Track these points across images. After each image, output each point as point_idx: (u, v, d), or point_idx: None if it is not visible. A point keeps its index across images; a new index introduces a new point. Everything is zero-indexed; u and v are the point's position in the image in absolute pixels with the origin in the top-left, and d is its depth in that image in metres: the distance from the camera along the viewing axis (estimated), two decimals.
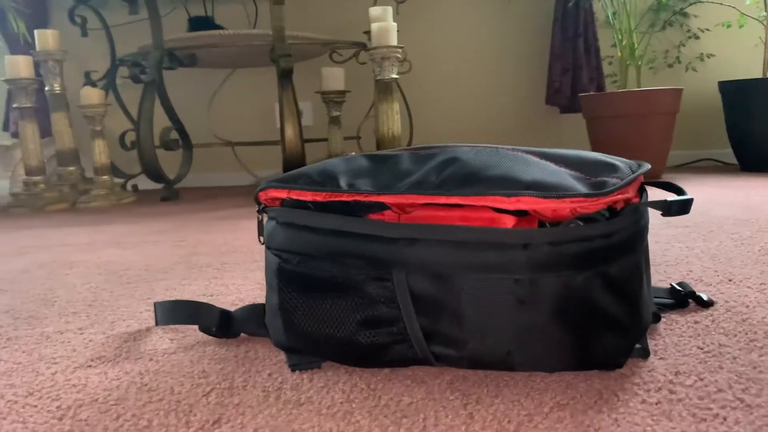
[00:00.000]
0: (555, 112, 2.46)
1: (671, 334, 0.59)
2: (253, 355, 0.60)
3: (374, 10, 2.01)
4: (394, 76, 1.92)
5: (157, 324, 0.70)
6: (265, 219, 0.59)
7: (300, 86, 2.51)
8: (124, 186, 2.44)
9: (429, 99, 2.58)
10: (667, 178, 2.11)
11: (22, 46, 2.43)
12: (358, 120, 2.45)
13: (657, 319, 0.62)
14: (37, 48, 2.11)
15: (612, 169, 0.53)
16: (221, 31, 2.09)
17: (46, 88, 2.16)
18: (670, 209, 0.51)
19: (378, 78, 1.92)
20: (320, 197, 0.54)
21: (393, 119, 1.93)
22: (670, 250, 0.96)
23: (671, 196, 0.54)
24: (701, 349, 0.56)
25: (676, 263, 0.87)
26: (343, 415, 0.47)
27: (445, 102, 2.58)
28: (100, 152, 2.16)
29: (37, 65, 2.15)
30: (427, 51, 2.56)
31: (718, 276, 0.80)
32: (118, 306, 0.81)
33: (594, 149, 2.11)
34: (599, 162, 0.54)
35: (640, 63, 2.11)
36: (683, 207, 0.51)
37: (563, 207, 0.47)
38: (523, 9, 2.48)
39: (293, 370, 0.55)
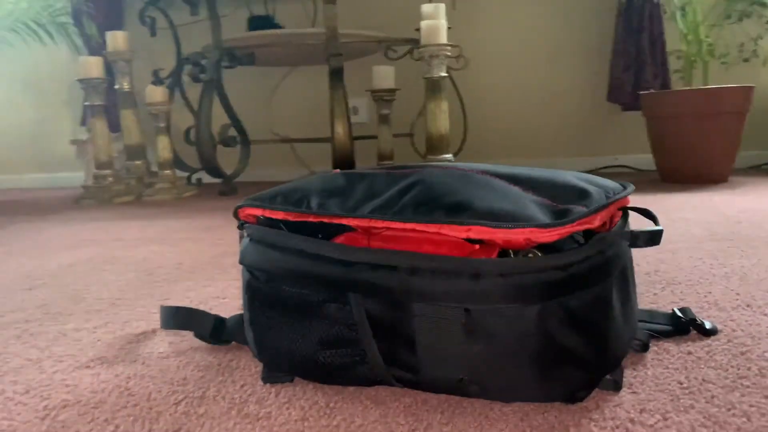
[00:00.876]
0: (617, 110, 2.36)
1: (656, 365, 0.57)
2: (235, 364, 0.62)
3: (426, 7, 2.00)
4: (443, 74, 1.90)
5: (162, 327, 0.73)
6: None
7: (356, 83, 2.53)
8: (189, 179, 2.56)
9: (486, 96, 2.54)
10: (734, 181, 1.99)
11: (95, 47, 2.59)
12: (413, 117, 2.45)
13: (644, 348, 0.60)
14: (108, 49, 2.24)
15: (582, 195, 0.51)
16: (277, 31, 2.15)
17: (116, 87, 2.29)
18: (636, 241, 0.49)
19: (426, 76, 1.91)
20: (291, 217, 0.55)
21: (441, 118, 1.91)
22: (699, 267, 0.91)
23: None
24: (681, 384, 0.53)
25: (698, 283, 0.83)
26: (267, 429, 0.48)
27: (502, 99, 2.53)
28: (164, 147, 2.28)
29: (108, 65, 2.28)
30: (485, 47, 2.52)
31: (737, 300, 0.75)
32: (136, 306, 0.86)
33: (654, 150, 2.01)
34: (572, 187, 0.52)
35: (707, 58, 1.99)
36: (651, 238, 0.49)
37: (516, 237, 0.46)
38: (584, 1, 2.39)
39: (264, 383, 0.57)
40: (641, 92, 1.99)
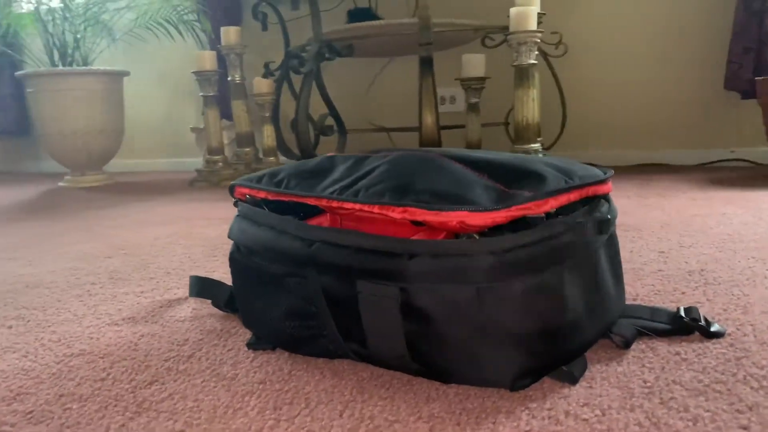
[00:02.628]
0: (735, 98, 2.15)
1: (632, 363, 0.54)
2: (235, 331, 0.68)
3: None
4: (532, 61, 1.85)
5: (189, 296, 0.81)
6: None
7: (453, 72, 2.52)
8: None
9: (588, 84, 2.43)
10: None
11: (216, 42, 2.80)
12: (507, 106, 2.40)
13: (626, 344, 0.57)
14: (222, 43, 2.42)
15: (537, 180, 0.50)
16: (372, 22, 2.20)
17: (228, 78, 2.46)
18: (584, 229, 0.47)
19: (515, 63, 1.87)
20: (270, 196, 0.59)
21: (529, 106, 1.87)
22: (752, 269, 0.82)
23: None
24: (644, 383, 0.50)
25: (740, 285, 0.76)
26: (244, 393, 0.52)
27: (605, 87, 2.40)
28: (268, 136, 2.42)
29: (222, 58, 2.47)
30: (587, 31, 2.40)
31: None
32: (184, 277, 0.95)
33: None
34: (528, 172, 0.51)
35: None
36: (599, 227, 0.47)
37: (449, 220, 0.47)
38: None
39: (248, 348, 0.62)
40: (758, 78, 1.80)
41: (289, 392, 0.52)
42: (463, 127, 2.16)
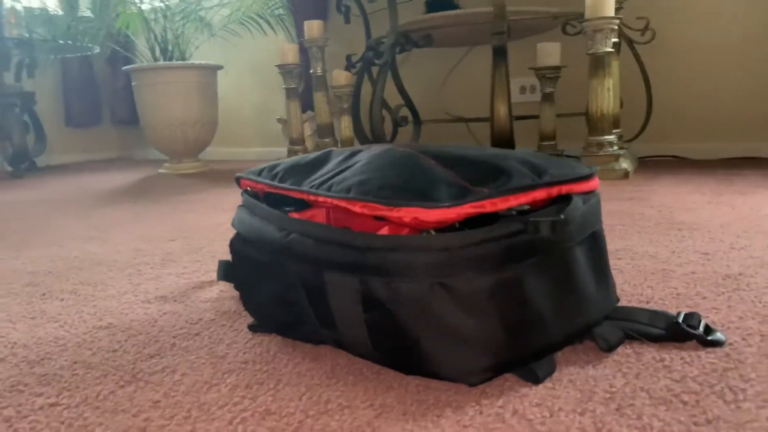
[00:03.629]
0: None
1: (607, 367, 0.53)
2: (246, 313, 0.72)
3: None
4: (608, 49, 1.77)
5: (217, 279, 0.87)
6: None
7: (533, 61, 2.45)
8: None
9: (677, 72, 2.27)
10: None
11: (300, 35, 2.89)
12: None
13: (609, 348, 0.55)
14: (305, 37, 2.50)
15: (503, 177, 0.50)
16: (448, 12, 2.19)
17: (310, 71, 2.55)
18: (537, 231, 0.47)
19: (590, 52, 1.79)
20: (267, 188, 0.63)
21: (603, 96, 1.79)
22: None
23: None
24: (609, 388, 0.49)
25: (766, 291, 0.71)
26: (226, 371, 0.56)
27: (697, 75, 2.24)
28: (346, 126, 2.48)
29: (305, 51, 2.55)
30: (677, 17, 2.24)
31: None
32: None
33: None
34: (496, 169, 0.51)
35: None
36: (552, 228, 0.46)
37: (403, 216, 0.48)
38: None
39: (249, 331, 0.66)
40: None
41: (266, 373, 0.55)
42: (537, 117, 2.11)
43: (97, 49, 3.11)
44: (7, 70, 2.91)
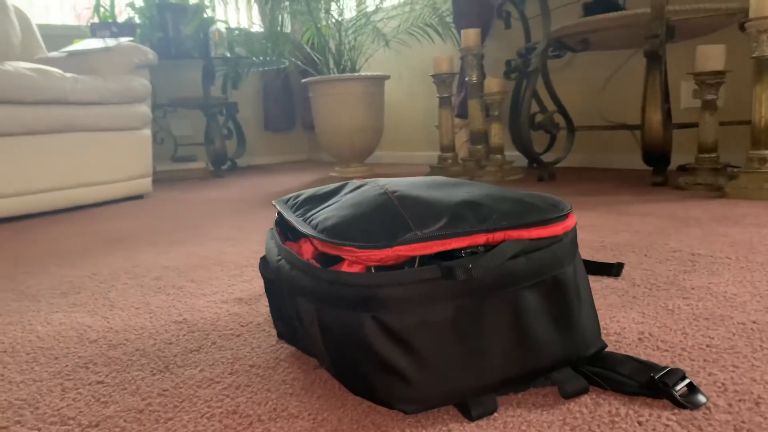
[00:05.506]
0: None
1: (554, 415, 0.53)
2: None
3: None
4: None
5: None
6: None
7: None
8: (532, 164, 2.70)
9: None
10: None
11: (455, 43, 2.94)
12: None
13: (566, 395, 0.55)
14: (462, 45, 2.56)
15: (442, 221, 0.53)
16: (602, 15, 2.08)
17: (466, 79, 2.59)
18: (451, 274, 0.49)
19: (754, 55, 1.60)
20: (286, 219, 0.72)
21: (767, 105, 1.58)
22: None
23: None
24: None
25: None
26: (232, 371, 0.66)
27: None
28: (496, 134, 2.49)
29: (462, 59, 2.60)
30: None
31: None
32: None
33: None
34: (440, 212, 0.54)
35: None
36: (448, 273, 0.48)
37: (345, 254, 0.53)
38: None
39: (279, 338, 0.76)
40: None
41: (260, 377, 0.65)
42: (696, 126, 1.91)
43: (286, 64, 3.49)
44: (213, 84, 3.39)
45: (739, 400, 0.53)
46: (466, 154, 2.84)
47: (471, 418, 0.52)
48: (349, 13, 3.48)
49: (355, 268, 0.55)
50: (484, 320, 0.52)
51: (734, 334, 0.68)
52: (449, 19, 3.15)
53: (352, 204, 0.59)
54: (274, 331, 0.78)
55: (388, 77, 3.08)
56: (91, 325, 0.85)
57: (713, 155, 1.85)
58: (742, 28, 1.94)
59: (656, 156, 1.92)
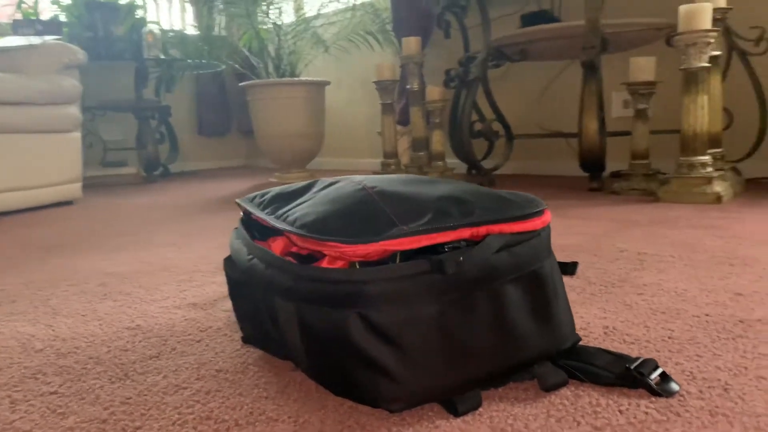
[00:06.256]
0: None
1: (538, 407, 0.53)
2: None
3: None
4: (703, 64, 1.66)
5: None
6: None
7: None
8: (471, 171, 2.75)
9: None
10: None
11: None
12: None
13: (546, 388, 0.55)
14: (402, 53, 2.58)
15: (429, 216, 0.52)
16: (540, 27, 2.15)
17: (408, 86, 2.61)
18: (443, 268, 0.49)
19: (682, 67, 1.69)
20: (253, 215, 0.70)
21: (696, 115, 1.67)
22: None
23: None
24: (524, 428, 0.50)
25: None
26: (198, 377, 0.63)
27: None
28: (437, 141, 2.52)
29: (403, 67, 2.62)
30: None
31: None
32: None
33: None
34: (424, 208, 0.53)
35: None
36: (438, 267, 0.48)
37: (328, 249, 0.52)
38: None
39: (243, 343, 0.73)
40: None
41: (229, 382, 0.62)
42: (629, 134, 2.01)
43: (222, 67, 3.41)
44: (146, 87, 3.27)
45: (709, 387, 0.55)
46: (408, 160, 2.86)
47: (457, 414, 0.52)
48: (289, 17, 3.44)
49: (338, 265, 0.54)
50: (469, 315, 0.52)
51: (692, 326, 0.71)
52: (389, 26, 3.18)
53: (330, 200, 0.58)
54: (236, 336, 0.75)
55: (328, 83, 3.06)
56: (34, 334, 0.80)
57: (645, 161, 1.95)
58: (668, 42, 2.05)
59: (593, 162, 2.00)
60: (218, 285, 1.01)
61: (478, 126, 2.44)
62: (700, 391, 0.55)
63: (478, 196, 0.57)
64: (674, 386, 0.55)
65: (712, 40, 1.64)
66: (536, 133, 2.70)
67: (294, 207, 0.61)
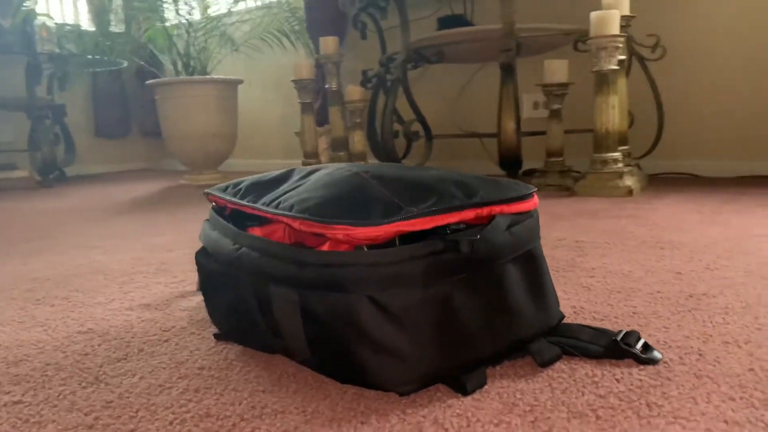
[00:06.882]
0: None
1: (536, 381, 0.55)
2: None
3: None
4: (613, 67, 1.78)
5: (197, 290, 0.91)
6: None
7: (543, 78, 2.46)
8: None
9: (689, 89, 2.26)
10: None
11: (315, 50, 2.96)
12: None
13: (543, 364, 0.57)
14: (321, 52, 2.56)
15: (434, 198, 0.52)
16: (458, 29, 2.22)
17: (326, 86, 2.60)
18: (458, 247, 0.49)
19: (594, 69, 1.80)
20: (230, 205, 0.67)
21: (608, 114, 1.79)
22: (750, 294, 0.77)
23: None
24: (533, 401, 0.51)
25: (722, 312, 0.71)
26: (180, 376, 0.60)
27: (710, 92, 2.22)
28: (358, 141, 2.52)
29: (321, 67, 2.61)
30: (689, 33, 2.23)
31: (744, 335, 0.64)
32: None
33: None
34: (429, 190, 0.54)
35: None
36: (471, 245, 0.49)
37: (335, 232, 0.51)
38: None
39: (215, 339, 0.70)
40: None
41: (217, 378, 0.59)
42: (544, 133, 2.12)
43: (124, 64, 3.23)
44: (39, 84, 3.04)
45: (686, 354, 0.60)
46: (327, 160, 2.85)
47: (466, 393, 0.52)
48: (199, 14, 3.32)
49: (342, 249, 0.53)
50: (476, 294, 0.53)
51: (650, 302, 0.76)
52: (300, 26, 3.15)
53: (325, 185, 0.57)
54: (206, 333, 0.72)
55: (241, 81, 2.99)
56: None
57: (560, 159, 2.06)
58: (575, 47, 2.18)
59: (511, 161, 2.08)
60: (164, 285, 0.96)
61: (397, 127, 2.47)
62: (680, 358, 0.59)
63: (474, 179, 0.58)
64: (657, 354, 0.58)
65: (621, 45, 1.77)
66: (454, 133, 2.77)
67: (284, 194, 0.59)
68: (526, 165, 2.53)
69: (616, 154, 1.82)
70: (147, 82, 2.90)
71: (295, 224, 0.54)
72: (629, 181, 1.80)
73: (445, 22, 2.43)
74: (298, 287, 0.53)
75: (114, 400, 0.55)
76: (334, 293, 0.51)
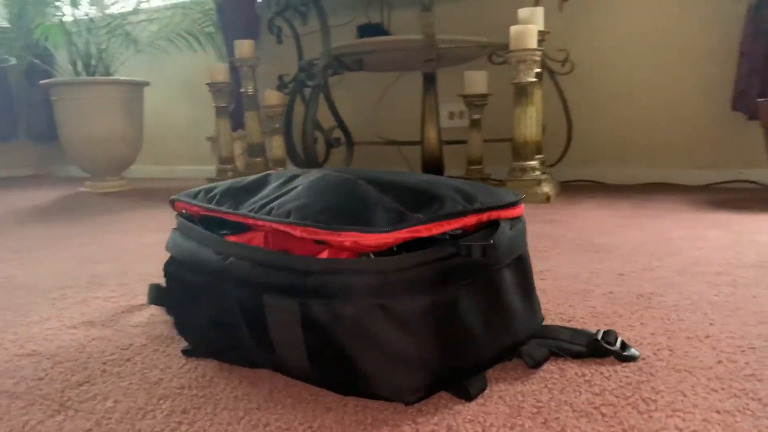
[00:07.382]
0: (742, 119, 2.12)
1: (535, 383, 0.56)
2: (180, 338, 0.71)
3: (522, 12, 1.97)
4: (531, 79, 1.86)
5: (147, 303, 0.85)
6: None
7: (461, 88, 2.54)
8: None
9: (596, 101, 2.42)
10: None
11: (232, 54, 2.88)
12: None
13: (535, 365, 0.58)
14: (236, 56, 2.49)
15: (437, 204, 0.52)
16: (380, 38, 2.24)
17: (241, 90, 2.53)
18: (469, 252, 0.49)
19: (514, 81, 1.88)
20: (203, 212, 0.63)
21: (526, 124, 1.88)
22: (703, 294, 0.83)
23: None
24: (536, 403, 0.52)
25: (673, 309, 0.77)
26: (161, 396, 0.55)
27: (614, 104, 2.39)
28: (277, 146, 2.48)
29: (236, 71, 2.54)
30: (595, 49, 2.39)
31: (702, 331, 0.69)
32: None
33: None
34: (430, 195, 0.53)
35: None
36: (483, 252, 0.49)
37: (343, 239, 0.49)
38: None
39: (184, 355, 0.65)
40: (760, 99, 1.78)
41: (203, 398, 0.55)
42: (465, 142, 2.18)
43: (13, 61, 2.97)
44: None
45: (658, 350, 0.63)
46: (243, 166, 2.77)
47: (470, 398, 0.53)
48: (101, 11, 3.12)
49: (344, 256, 0.52)
50: (478, 300, 0.53)
51: (607, 303, 0.80)
52: (211, 29, 3.05)
53: (321, 191, 0.55)
54: (170, 351, 0.67)
55: (147, 83, 2.84)
56: None
57: (480, 167, 2.13)
58: (490, 59, 2.27)
59: (434, 168, 2.13)
60: (103, 300, 0.89)
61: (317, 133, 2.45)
62: (654, 354, 0.62)
63: (463, 183, 0.58)
64: (635, 352, 0.62)
65: (538, 58, 1.86)
66: (373, 141, 2.79)
67: (274, 200, 0.57)
68: (446, 173, 2.59)
69: (534, 162, 1.90)
70: (40, 82, 2.69)
71: (296, 231, 0.51)
72: (546, 188, 1.89)
73: (365, 30, 2.45)
74: (299, 296, 0.51)
75: (92, 428, 0.50)
76: (339, 301, 0.49)
